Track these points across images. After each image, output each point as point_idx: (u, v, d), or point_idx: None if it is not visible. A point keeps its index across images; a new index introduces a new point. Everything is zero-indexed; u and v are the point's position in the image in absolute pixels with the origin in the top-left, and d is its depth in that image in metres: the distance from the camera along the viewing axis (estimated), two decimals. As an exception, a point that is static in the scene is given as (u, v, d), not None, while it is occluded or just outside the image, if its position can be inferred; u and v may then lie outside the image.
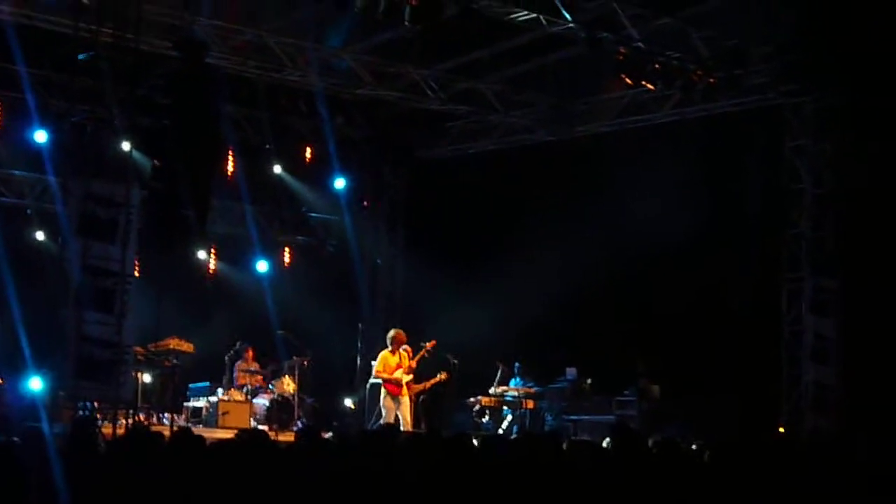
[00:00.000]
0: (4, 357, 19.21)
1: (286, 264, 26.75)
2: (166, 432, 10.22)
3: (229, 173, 24.61)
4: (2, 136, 23.26)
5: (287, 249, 26.88)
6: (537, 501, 8.71)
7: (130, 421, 17.78)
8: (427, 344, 20.61)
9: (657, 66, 19.48)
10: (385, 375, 20.21)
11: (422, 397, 20.56)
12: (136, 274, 17.90)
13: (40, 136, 21.44)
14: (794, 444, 12.71)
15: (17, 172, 23.95)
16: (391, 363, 20.26)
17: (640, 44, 19.13)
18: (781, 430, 20.59)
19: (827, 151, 20.97)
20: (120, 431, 16.32)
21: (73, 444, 9.54)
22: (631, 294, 22.63)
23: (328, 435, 13.22)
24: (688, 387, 21.25)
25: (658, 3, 19.08)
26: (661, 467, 9.11)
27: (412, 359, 20.36)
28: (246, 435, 9.86)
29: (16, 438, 9.76)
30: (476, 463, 9.42)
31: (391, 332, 20.66)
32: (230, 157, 24.45)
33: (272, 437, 15.49)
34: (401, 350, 20.31)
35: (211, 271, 25.58)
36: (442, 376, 20.53)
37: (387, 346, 20.50)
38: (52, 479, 8.14)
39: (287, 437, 17.82)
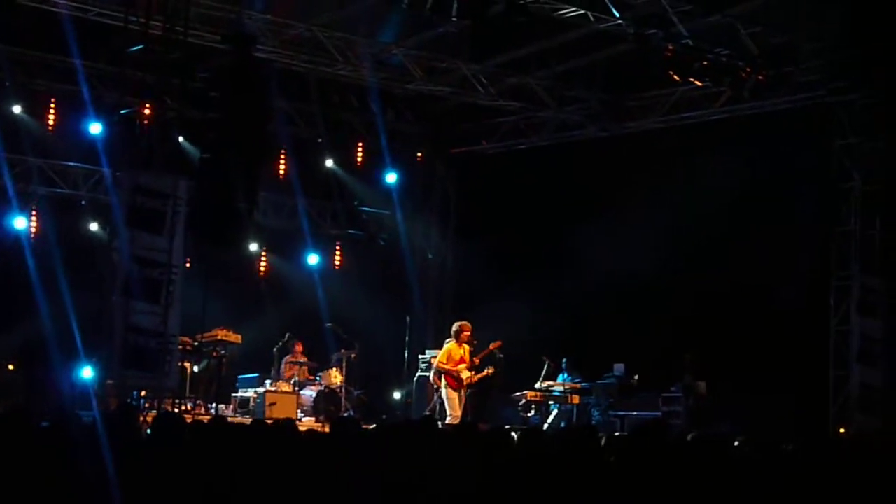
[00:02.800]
0: (57, 345, 19.40)
1: (337, 258, 26.90)
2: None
3: (281, 167, 24.84)
4: (58, 129, 23.51)
5: (338, 243, 27.03)
6: (572, 494, 8.74)
7: (177, 409, 17.97)
8: (492, 344, 20.55)
9: (705, 63, 19.42)
10: (447, 367, 20.17)
11: (469, 391, 20.56)
12: (186, 265, 18.07)
13: (95, 129, 21.61)
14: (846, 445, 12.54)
15: (72, 164, 24.14)
16: (455, 356, 20.21)
17: (688, 41, 19.10)
18: (842, 430, 20.44)
19: (877, 149, 20.85)
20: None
21: (113, 430, 9.66)
22: (679, 290, 22.54)
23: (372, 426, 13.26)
24: (736, 384, 21.16)
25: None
26: (690, 464, 9.10)
27: (475, 356, 20.33)
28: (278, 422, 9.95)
29: (61, 424, 9.92)
30: (514, 456, 9.47)
31: (457, 325, 20.44)
32: (282, 151, 24.67)
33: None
34: (465, 344, 20.30)
35: (262, 264, 25.78)
36: (489, 371, 20.51)
37: (450, 337, 20.46)
38: (96, 464, 8.26)
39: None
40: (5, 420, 8.87)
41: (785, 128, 21.64)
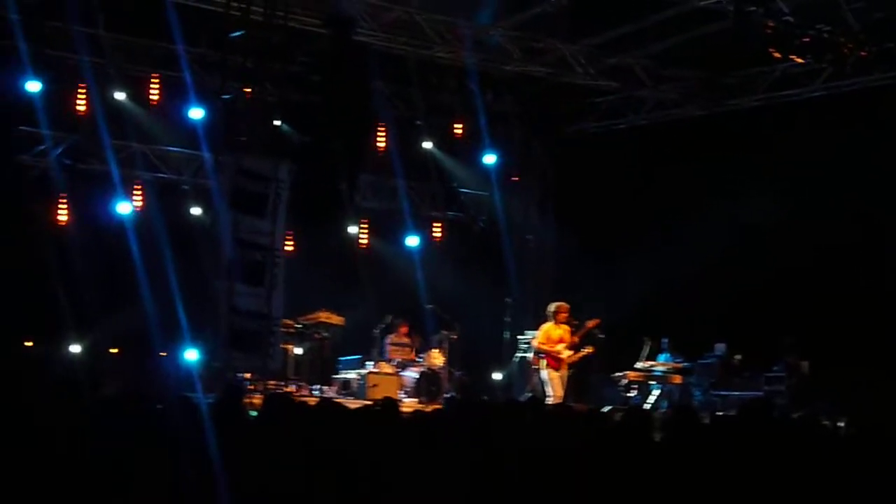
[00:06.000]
0: (163, 328, 19.64)
1: (437, 239, 27.00)
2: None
3: (380, 148, 24.88)
4: (160, 114, 23.75)
5: (438, 224, 27.15)
6: (675, 474, 8.73)
7: (281, 391, 18.13)
8: (589, 322, 20.52)
9: (806, 39, 19.20)
10: (546, 348, 20.20)
11: (570, 371, 20.55)
12: (288, 248, 18.21)
13: (196, 114, 21.80)
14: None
15: (174, 149, 24.39)
16: (554, 336, 20.23)
17: (788, 17, 18.89)
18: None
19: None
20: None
21: (221, 412, 9.79)
22: (781, 268, 22.32)
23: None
24: (839, 363, 20.96)
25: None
26: (796, 444, 9.06)
27: (574, 335, 20.34)
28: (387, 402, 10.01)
29: (172, 406, 10.07)
30: (615, 436, 9.47)
31: (554, 305, 20.49)
32: (381, 133, 24.72)
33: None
34: (563, 324, 20.31)
35: (362, 246, 25.87)
36: (588, 350, 20.49)
37: (547, 318, 20.48)
38: (204, 446, 8.38)
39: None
40: (119, 403, 9.03)
41: (889, 104, 21.29)
